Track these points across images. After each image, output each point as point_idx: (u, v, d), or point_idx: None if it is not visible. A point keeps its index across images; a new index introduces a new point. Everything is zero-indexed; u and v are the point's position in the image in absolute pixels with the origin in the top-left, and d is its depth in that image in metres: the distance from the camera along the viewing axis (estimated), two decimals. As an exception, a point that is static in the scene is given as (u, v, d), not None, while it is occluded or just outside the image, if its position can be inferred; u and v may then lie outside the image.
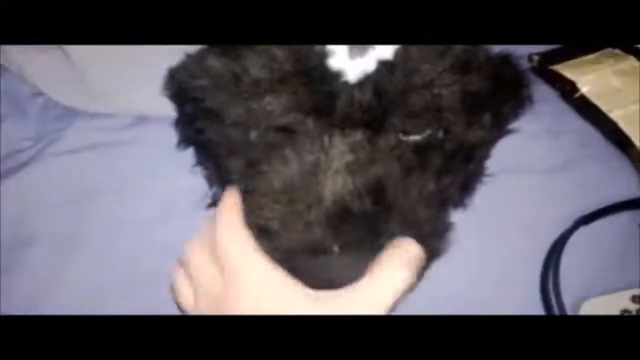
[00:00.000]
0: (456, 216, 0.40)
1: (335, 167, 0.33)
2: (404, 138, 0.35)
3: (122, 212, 0.43)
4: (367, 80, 0.33)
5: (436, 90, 0.33)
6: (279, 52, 0.33)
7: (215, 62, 0.35)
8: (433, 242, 0.35)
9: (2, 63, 0.46)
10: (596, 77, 0.48)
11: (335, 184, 0.33)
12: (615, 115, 0.46)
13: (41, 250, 0.42)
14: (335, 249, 0.32)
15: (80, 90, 0.45)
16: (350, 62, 0.33)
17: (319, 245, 0.32)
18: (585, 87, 0.47)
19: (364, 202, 0.33)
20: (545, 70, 0.49)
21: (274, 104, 0.33)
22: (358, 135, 0.34)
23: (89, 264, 0.42)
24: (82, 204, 0.43)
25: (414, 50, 0.33)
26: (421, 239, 0.34)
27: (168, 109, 0.42)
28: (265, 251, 0.33)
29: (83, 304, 0.40)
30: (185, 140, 0.43)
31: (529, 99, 0.42)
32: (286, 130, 0.35)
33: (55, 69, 0.45)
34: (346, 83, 0.33)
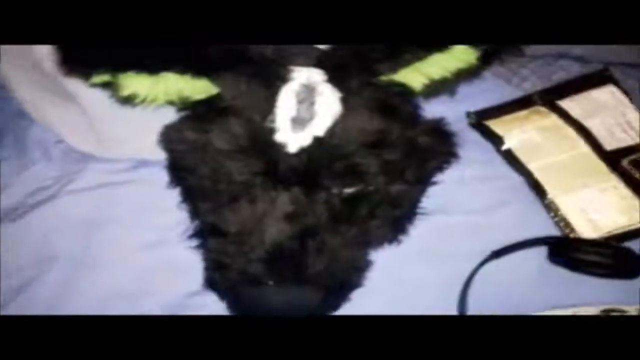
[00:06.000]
0: (389, 250, 0.50)
1: (277, 215, 0.44)
2: (337, 191, 0.45)
3: (124, 239, 0.54)
4: (302, 151, 0.43)
5: (355, 160, 0.43)
6: (237, 128, 0.43)
7: (190, 134, 0.45)
8: (351, 277, 0.45)
9: (34, 116, 0.58)
10: (521, 132, 0.57)
11: (276, 230, 0.43)
12: (532, 166, 0.55)
13: (59, 266, 0.53)
14: (270, 282, 0.42)
15: (93, 138, 0.56)
16: (292, 136, 0.44)
17: (258, 279, 0.43)
18: (511, 141, 0.56)
19: (295, 245, 0.43)
20: (480, 125, 0.58)
21: (232, 167, 0.44)
22: (296, 191, 0.44)
23: (97, 278, 0.53)
24: (93, 232, 0.54)
25: (339, 130, 0.43)
26: (341, 274, 0.44)
27: (162, 155, 0.53)
28: (217, 282, 0.44)
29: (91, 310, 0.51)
30: (173, 182, 0.54)
31: (453, 156, 0.52)
32: (244, 185, 0.45)
33: (72, 121, 0.56)
34: (287, 153, 0.44)
